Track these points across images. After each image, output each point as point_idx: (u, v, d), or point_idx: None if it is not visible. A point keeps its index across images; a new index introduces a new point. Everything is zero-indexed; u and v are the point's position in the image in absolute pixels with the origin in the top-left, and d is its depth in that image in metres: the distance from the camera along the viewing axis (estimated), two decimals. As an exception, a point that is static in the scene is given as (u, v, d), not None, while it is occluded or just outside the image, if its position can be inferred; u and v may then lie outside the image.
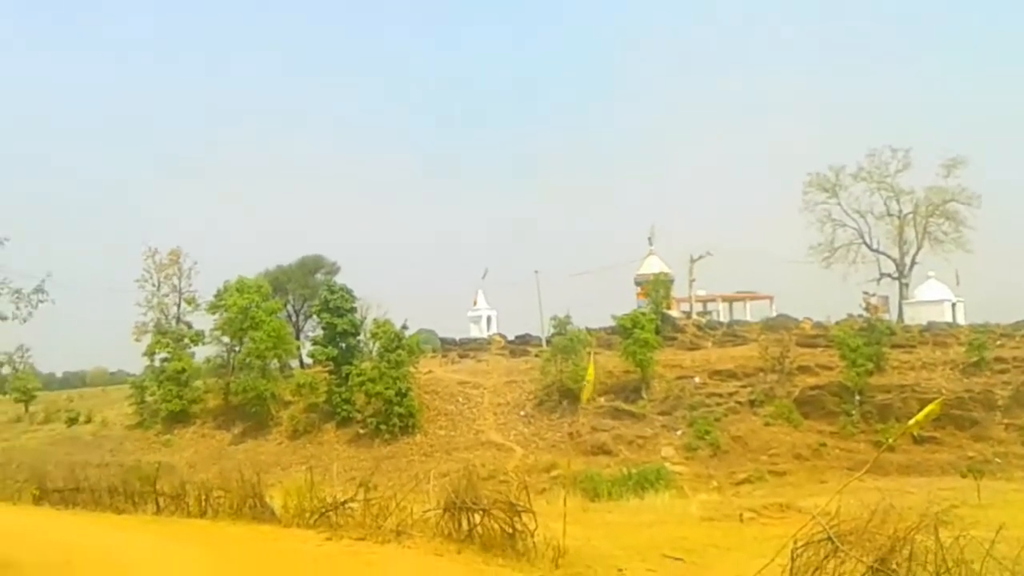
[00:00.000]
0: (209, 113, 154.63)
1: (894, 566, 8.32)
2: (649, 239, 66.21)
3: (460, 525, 12.86)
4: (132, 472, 25.30)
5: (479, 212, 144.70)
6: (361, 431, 50.80)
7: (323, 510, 14.82)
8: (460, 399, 52.67)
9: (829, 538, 8.80)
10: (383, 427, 49.58)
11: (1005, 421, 43.27)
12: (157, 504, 19.72)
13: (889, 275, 63.31)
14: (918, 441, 40.18)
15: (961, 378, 46.81)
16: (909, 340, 52.43)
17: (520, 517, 12.17)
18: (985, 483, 29.70)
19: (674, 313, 61.78)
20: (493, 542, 12.28)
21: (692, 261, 63.33)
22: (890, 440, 37.63)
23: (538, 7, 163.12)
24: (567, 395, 48.80)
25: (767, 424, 45.56)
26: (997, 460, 40.19)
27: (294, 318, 65.29)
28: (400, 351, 51.00)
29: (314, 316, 58.95)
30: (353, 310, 54.89)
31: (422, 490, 16.46)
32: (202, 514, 17.95)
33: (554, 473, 39.63)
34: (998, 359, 47.54)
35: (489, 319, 68.72)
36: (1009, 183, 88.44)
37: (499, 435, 48.56)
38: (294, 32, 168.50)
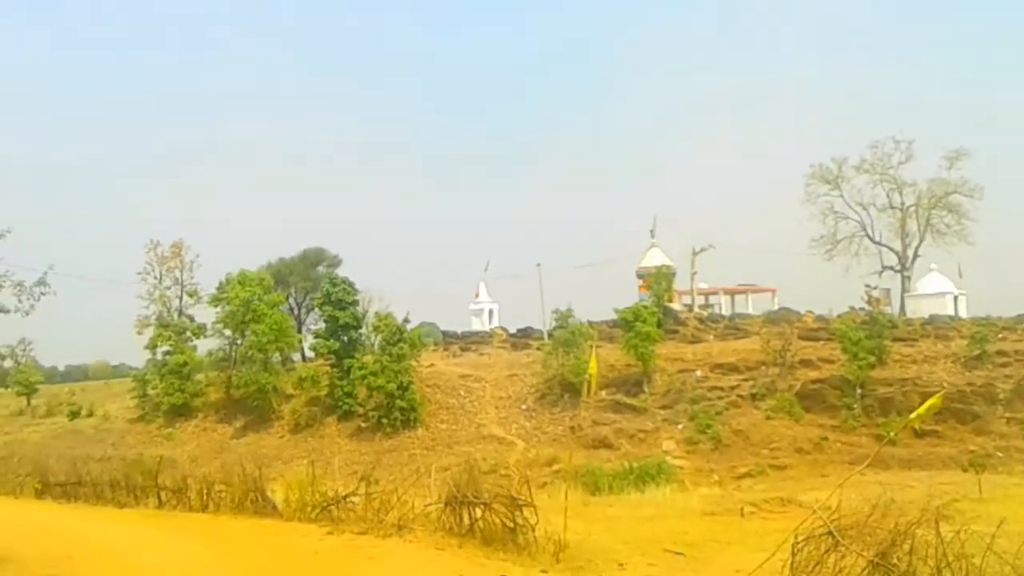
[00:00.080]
0: (212, 106, 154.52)
1: (895, 560, 8.33)
2: (651, 232, 66.24)
3: (461, 519, 12.89)
4: (134, 466, 25.33)
5: (481, 205, 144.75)
6: (363, 425, 50.82)
7: (325, 504, 14.88)
8: (462, 392, 52.67)
9: (830, 532, 8.81)
10: (385, 421, 49.58)
11: (1007, 415, 43.20)
12: (159, 498, 19.80)
13: (891, 268, 63.33)
14: (919, 435, 40.11)
15: (963, 371, 46.76)
16: (911, 333, 52.37)
17: (521, 511, 12.21)
18: (986, 477, 29.76)
19: (676, 306, 61.78)
20: (494, 536, 12.31)
21: (694, 254, 63.33)
22: (891, 434, 37.55)
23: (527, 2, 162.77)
24: (568, 389, 48.77)
25: (768, 418, 45.51)
26: (998, 454, 40.13)
27: (296, 311, 65.26)
28: (402, 344, 50.96)
29: (316, 309, 58.93)
30: (355, 303, 54.91)
31: (423, 484, 16.48)
32: (204, 508, 18.02)
33: (555, 467, 39.57)
34: (1000, 352, 47.46)
35: (491, 312, 68.75)
36: (1012, 175, 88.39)
37: (500, 429, 48.57)
38: (296, 26, 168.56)
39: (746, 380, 48.78)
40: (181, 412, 55.93)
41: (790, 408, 45.65)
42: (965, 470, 34.29)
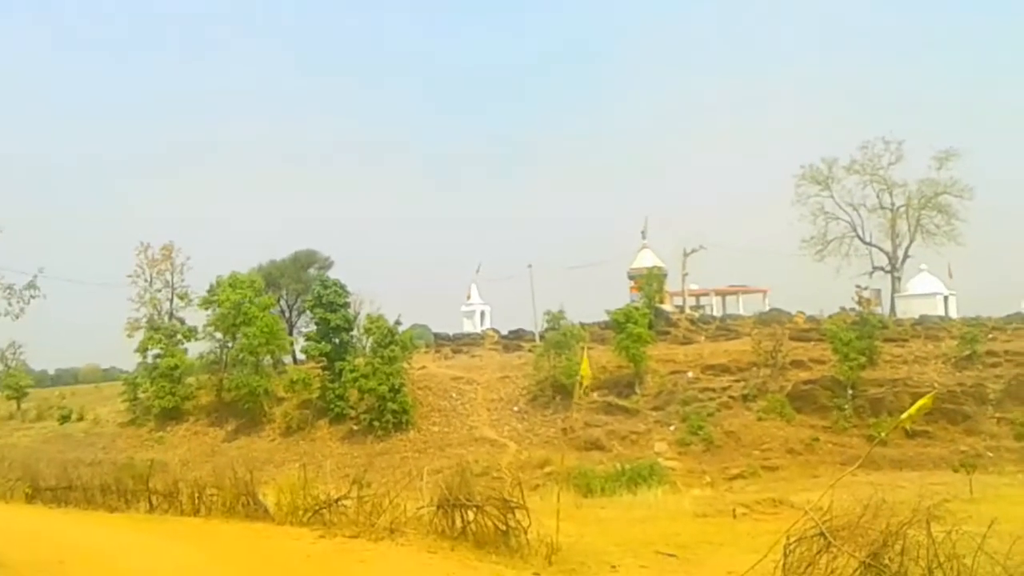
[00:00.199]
0: (209, 106, 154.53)
1: (886, 561, 8.34)
2: (642, 233, 66.22)
3: (453, 522, 12.86)
4: (125, 470, 25.23)
5: (477, 205, 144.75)
6: (354, 427, 50.76)
7: (316, 508, 14.82)
8: (453, 395, 52.66)
9: (822, 533, 8.83)
10: (376, 423, 49.55)
11: (997, 415, 43.33)
12: (150, 502, 19.70)
13: (882, 268, 63.47)
14: (910, 435, 40.21)
15: (953, 372, 46.92)
16: (901, 334, 52.53)
17: (513, 514, 12.18)
18: (977, 477, 29.79)
19: (667, 307, 61.84)
20: (486, 539, 12.28)
21: (685, 255, 63.33)
22: (882, 434, 37.75)
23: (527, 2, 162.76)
24: (560, 390, 48.81)
25: (760, 419, 45.59)
26: (989, 454, 40.26)
27: (287, 313, 65.15)
28: (393, 347, 50.93)
29: (307, 311, 58.86)
30: (346, 305, 54.82)
31: (415, 487, 16.43)
32: (195, 512, 17.93)
33: (547, 469, 39.59)
34: (990, 353, 47.62)
35: (482, 314, 68.72)
36: (1002, 175, 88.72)
37: (493, 431, 48.57)
38: (296, 25, 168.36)
39: (737, 381, 48.89)
40: (172, 415, 55.79)
41: (781, 409, 45.75)
42: (956, 470, 34.38)
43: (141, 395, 57.45)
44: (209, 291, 57.26)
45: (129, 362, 62.90)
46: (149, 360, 57.80)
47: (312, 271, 65.82)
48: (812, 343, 51.33)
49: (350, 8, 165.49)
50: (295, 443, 50.56)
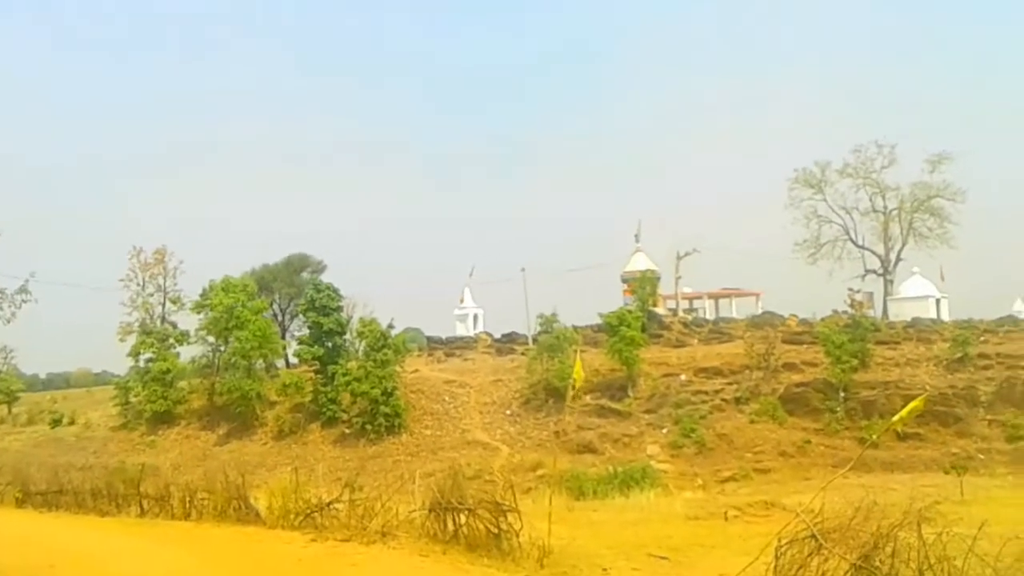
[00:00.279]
0: (201, 109, 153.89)
1: (877, 563, 8.36)
2: (636, 236, 66.27)
3: (445, 525, 12.86)
4: (116, 474, 25.15)
5: (468, 208, 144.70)
6: (347, 431, 50.67)
7: (308, 511, 14.80)
8: (446, 398, 52.60)
9: (813, 536, 8.84)
10: (369, 427, 49.45)
11: (988, 417, 43.39)
12: (141, 506, 19.65)
13: (874, 271, 63.68)
14: (902, 438, 40.30)
15: (945, 374, 47.00)
16: (893, 336, 52.66)
17: (506, 517, 12.18)
18: (968, 479, 29.90)
19: (660, 310, 61.87)
20: (478, 542, 12.28)
21: (679, 258, 63.44)
22: (874, 437, 37.77)
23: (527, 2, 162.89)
24: (553, 393, 48.81)
25: (752, 421, 45.63)
26: (980, 456, 40.34)
27: (280, 317, 64.99)
28: (386, 350, 50.87)
29: (300, 315, 58.70)
30: (339, 309, 54.70)
31: (408, 490, 16.47)
32: (186, 516, 17.90)
33: (540, 472, 39.62)
34: (981, 355, 47.71)
35: (476, 317, 68.68)
36: (993, 179, 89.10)
37: (485, 434, 48.53)
38: (288, 27, 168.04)
39: (730, 384, 48.93)
40: (164, 419, 55.57)
41: (774, 412, 45.80)
42: (947, 472, 34.51)
43: (133, 399, 57.23)
44: (202, 295, 57.10)
45: (121, 366, 62.80)
46: (141, 364, 57.58)
47: (305, 275, 65.70)
48: (805, 346, 51.43)
49: (350, 8, 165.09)
50: (287, 447, 50.46)
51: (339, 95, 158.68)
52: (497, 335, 66.10)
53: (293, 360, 60.87)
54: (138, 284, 60.32)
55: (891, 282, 63.27)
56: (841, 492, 12.35)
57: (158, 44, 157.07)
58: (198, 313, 57.37)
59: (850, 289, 55.74)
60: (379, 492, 14.48)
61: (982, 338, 50.73)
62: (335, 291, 54.93)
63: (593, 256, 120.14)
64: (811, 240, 64.42)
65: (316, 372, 53.59)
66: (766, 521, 17.94)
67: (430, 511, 13.15)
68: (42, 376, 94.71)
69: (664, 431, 45.94)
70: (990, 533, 8.78)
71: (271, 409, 54.03)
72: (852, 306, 53.06)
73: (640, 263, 63.53)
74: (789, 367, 49.12)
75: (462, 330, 67.87)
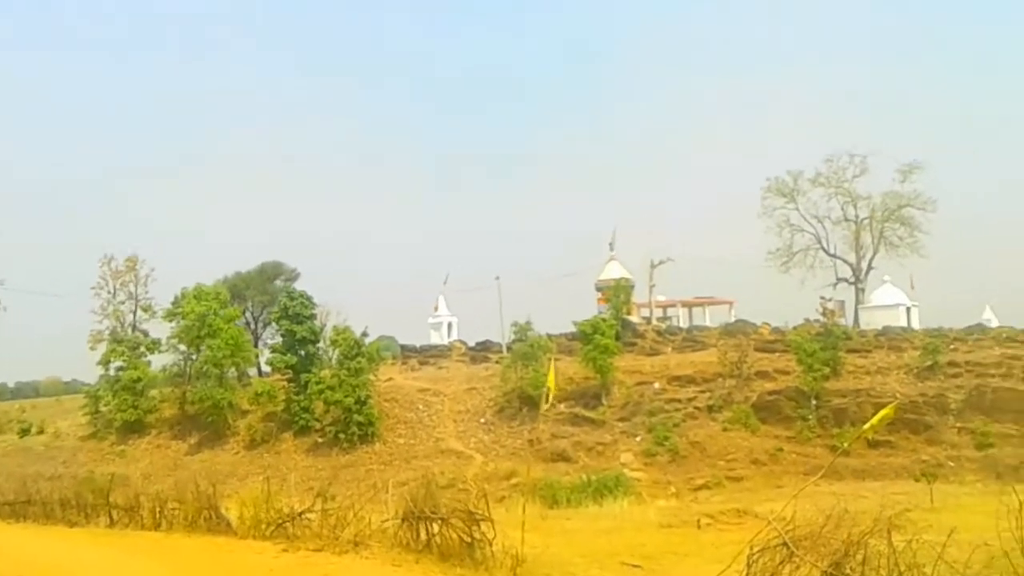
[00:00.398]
0: (166, 118, 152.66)
1: (848, 570, 8.38)
2: (610, 244, 66.58)
3: (418, 534, 12.79)
4: (85, 484, 24.94)
5: (440, 218, 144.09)
6: (320, 440, 50.42)
7: (280, 521, 14.69)
8: (420, 407, 52.47)
9: (785, 543, 8.86)
10: (342, 436, 49.23)
11: (958, 425, 43.87)
12: (110, 516, 19.45)
13: (846, 280, 64.25)
14: (873, 445, 40.59)
15: (915, 382, 47.44)
16: (865, 345, 53.10)
17: (479, 526, 12.13)
18: (938, 487, 30.15)
19: (634, 319, 62.11)
20: (451, 551, 12.23)
21: (652, 266, 63.66)
22: (845, 445, 38.08)
23: (498, 13, 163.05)
24: (527, 402, 48.79)
25: (725, 429, 45.85)
26: (950, 464, 40.77)
27: (252, 325, 64.59)
28: (360, 358, 50.68)
29: (273, 323, 58.41)
30: (312, 317, 54.47)
31: (380, 499, 16.36)
32: (156, 526, 17.72)
33: (514, 481, 39.58)
34: (951, 363, 48.19)
35: (450, 325, 68.57)
36: (963, 188, 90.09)
37: (459, 443, 48.45)
38: (258, 33, 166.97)
39: (703, 392, 49.13)
40: (134, 429, 55.05)
41: (746, 420, 46.05)
42: (917, 480, 34.73)
43: (103, 408, 56.64)
44: (173, 303, 56.66)
45: (91, 375, 62.10)
46: (112, 373, 57.02)
47: (278, 283, 65.39)
48: (777, 354, 51.73)
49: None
50: (259, 456, 50.11)
51: (296, 100, 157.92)
52: (471, 343, 66.07)
53: (266, 369, 60.53)
54: (109, 292, 60.02)
55: (862, 291, 63.86)
56: (813, 500, 12.38)
57: (112, 44, 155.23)
58: (170, 321, 56.93)
59: (822, 297, 56.26)
60: (352, 501, 14.39)
61: (952, 346, 51.26)
62: (308, 299, 54.71)
63: (559, 267, 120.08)
64: (783, 249, 65.02)
65: (289, 381, 53.28)
66: (738, 529, 18.02)
67: (403, 520, 13.08)
68: (10, 385, 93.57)
69: (638, 439, 46.05)
70: (959, 540, 8.85)
71: (243, 418, 53.65)
72: (824, 314, 53.46)
73: (614, 271, 63.77)
74: (762, 375, 49.39)
75: (436, 338, 67.76)
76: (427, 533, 12.66)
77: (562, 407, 48.29)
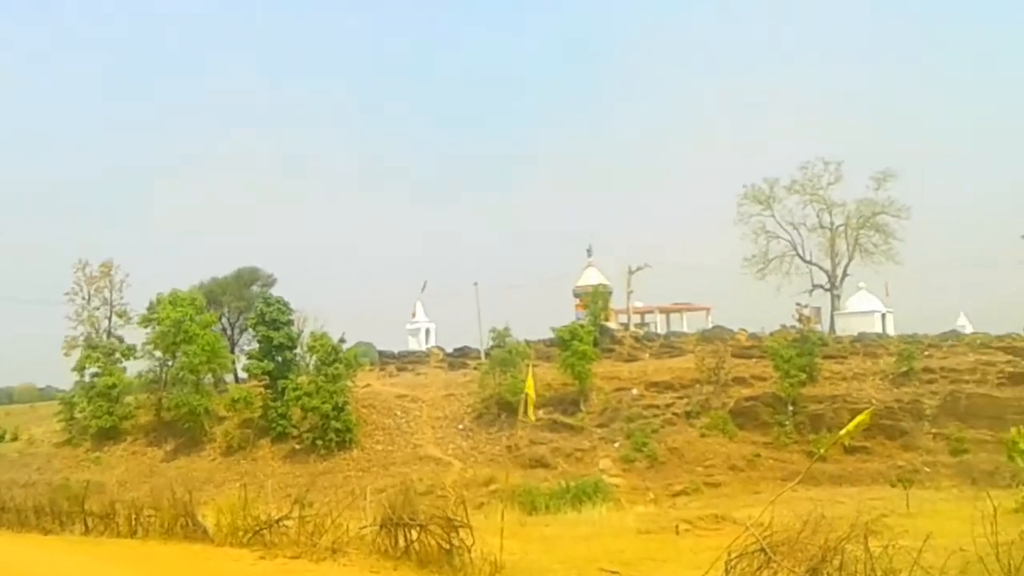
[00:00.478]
0: (141, 125, 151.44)
1: (825, 576, 8.45)
2: (588, 251, 66.62)
3: (397, 541, 12.78)
4: (60, 491, 24.72)
5: (417, 223, 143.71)
6: (297, 447, 50.18)
7: (257, 528, 14.62)
8: (398, 413, 52.32)
9: (762, 549, 8.91)
10: (319, 442, 49.00)
11: (933, 431, 44.16)
12: (85, 524, 19.29)
13: (821, 286, 64.52)
14: (849, 451, 40.85)
15: (891, 388, 47.71)
16: (840, 351, 53.37)
17: (457, 532, 12.13)
18: (914, 492, 30.35)
19: (612, 325, 62.19)
20: (430, 558, 12.22)
21: (630, 273, 63.78)
22: (822, 450, 38.29)
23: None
24: (506, 408, 48.71)
25: (703, 435, 45.98)
26: (926, 469, 41.04)
27: (229, 331, 64.29)
28: (337, 365, 50.48)
29: (250, 329, 58.04)
30: (290, 323, 54.18)
31: (358, 506, 16.35)
32: (132, 534, 17.60)
33: (492, 487, 39.52)
34: (926, 369, 48.48)
35: (428, 331, 68.39)
36: (937, 196, 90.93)
37: (437, 449, 48.35)
38: (232, 37, 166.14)
39: (681, 398, 49.27)
40: (110, 435, 54.59)
41: (724, 426, 46.21)
42: (893, 485, 34.98)
43: (78, 415, 56.12)
44: (149, 308, 56.24)
45: (66, 381, 61.59)
46: (86, 379, 56.52)
47: (255, 288, 65.11)
48: (754, 360, 51.96)
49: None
50: (236, 463, 49.82)
51: (267, 103, 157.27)
52: (449, 349, 65.90)
53: (242, 375, 60.22)
54: (83, 297, 59.55)
55: (838, 297, 64.18)
56: (790, 505, 12.49)
57: (85, 49, 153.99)
58: (145, 327, 56.50)
59: (798, 304, 56.55)
60: (329, 508, 14.36)
61: (927, 352, 51.54)
62: (285, 305, 54.40)
63: (536, 273, 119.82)
64: (759, 255, 65.21)
65: (266, 387, 53.00)
66: (716, 535, 18.05)
67: (381, 527, 13.05)
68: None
69: (616, 445, 46.12)
70: (935, 545, 8.93)
71: (220, 424, 53.33)
72: (800, 321, 53.73)
73: (592, 278, 63.85)
74: (739, 381, 49.59)
75: (414, 344, 67.59)
76: (405, 540, 12.65)
77: (540, 413, 48.12)
